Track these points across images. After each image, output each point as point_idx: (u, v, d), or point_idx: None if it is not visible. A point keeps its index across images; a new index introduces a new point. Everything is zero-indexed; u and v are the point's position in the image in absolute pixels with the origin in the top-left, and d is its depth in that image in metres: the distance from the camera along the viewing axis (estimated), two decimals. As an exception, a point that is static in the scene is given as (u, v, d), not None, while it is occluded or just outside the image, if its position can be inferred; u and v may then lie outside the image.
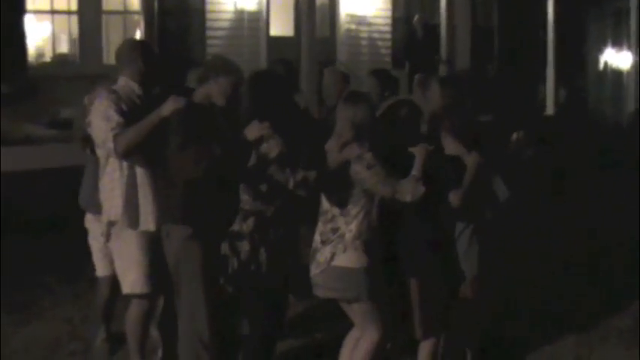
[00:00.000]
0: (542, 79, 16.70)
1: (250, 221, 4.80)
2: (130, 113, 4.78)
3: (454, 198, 4.97)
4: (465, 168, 5.04)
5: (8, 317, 6.34)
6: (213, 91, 4.73)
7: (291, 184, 4.70)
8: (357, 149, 4.55)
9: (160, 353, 5.26)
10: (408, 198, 4.51)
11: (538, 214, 9.85)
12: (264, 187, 4.79)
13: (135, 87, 4.93)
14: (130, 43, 5.41)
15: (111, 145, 4.74)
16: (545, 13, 16.26)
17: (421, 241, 4.84)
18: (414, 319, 4.86)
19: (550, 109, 16.35)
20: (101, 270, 5.49)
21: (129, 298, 5.00)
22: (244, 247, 4.80)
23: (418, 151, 4.67)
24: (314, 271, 4.68)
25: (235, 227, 4.80)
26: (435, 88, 5.63)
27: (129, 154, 4.76)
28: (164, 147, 4.61)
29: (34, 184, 9.92)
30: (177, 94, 4.65)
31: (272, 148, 4.70)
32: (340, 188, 4.60)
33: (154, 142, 4.66)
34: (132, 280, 4.91)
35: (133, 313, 4.97)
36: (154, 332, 5.33)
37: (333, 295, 4.68)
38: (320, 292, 4.72)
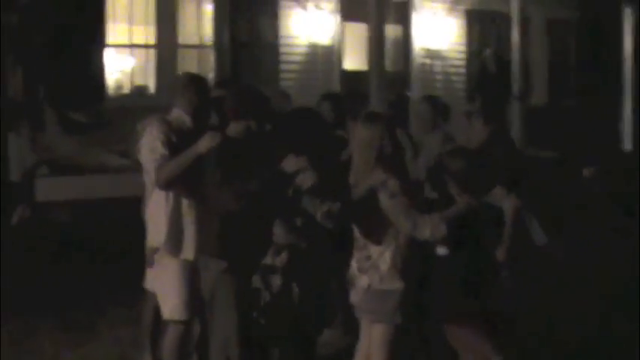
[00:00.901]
0: (621, 114, 16.45)
1: (283, 255, 4.91)
2: (179, 145, 4.97)
3: (500, 254, 5.00)
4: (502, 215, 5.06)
5: (66, 336, 6.62)
6: (250, 123, 4.88)
7: (318, 216, 4.80)
8: (382, 175, 4.58)
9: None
10: (426, 234, 4.52)
11: (608, 253, 9.66)
12: (298, 221, 4.89)
13: (186, 119, 5.13)
14: (185, 77, 5.65)
15: (153, 176, 4.95)
16: (621, 48, 16.07)
17: (456, 284, 4.84)
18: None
19: (628, 144, 16.07)
20: (150, 284, 5.56)
21: (167, 323, 5.17)
22: (276, 280, 4.91)
23: (460, 201, 4.71)
24: (353, 297, 4.75)
25: (268, 261, 4.91)
26: (477, 122, 5.68)
27: (169, 186, 4.95)
28: (203, 181, 4.78)
29: (105, 212, 10.28)
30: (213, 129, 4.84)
31: (306, 180, 4.82)
32: (367, 216, 4.64)
33: (194, 176, 4.84)
34: (171, 306, 5.08)
35: (170, 338, 5.13)
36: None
37: (369, 317, 4.71)
38: (358, 314, 4.80)
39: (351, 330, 5.37)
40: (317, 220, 4.81)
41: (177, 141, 5.00)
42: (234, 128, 4.88)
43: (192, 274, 5.01)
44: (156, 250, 5.14)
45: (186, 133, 5.06)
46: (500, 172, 5.21)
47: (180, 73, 12.22)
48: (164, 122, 5.10)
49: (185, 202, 5.04)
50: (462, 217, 4.65)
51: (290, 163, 4.72)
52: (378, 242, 4.64)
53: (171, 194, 5.04)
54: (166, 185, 4.93)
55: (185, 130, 5.09)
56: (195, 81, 5.34)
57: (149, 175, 5.10)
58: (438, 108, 6.65)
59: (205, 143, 4.73)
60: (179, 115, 5.15)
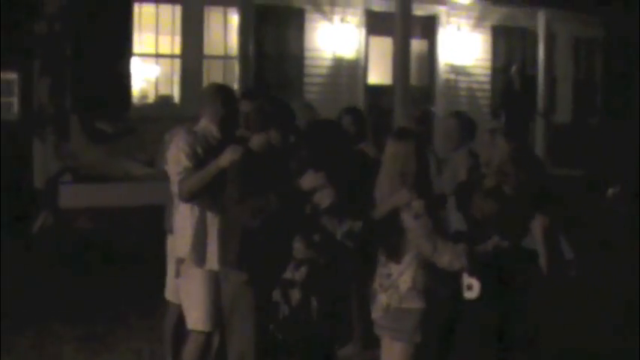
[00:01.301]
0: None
1: (303, 270, 4.90)
2: (206, 155, 4.97)
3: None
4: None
5: (85, 345, 6.64)
6: (273, 136, 4.86)
7: (338, 235, 4.76)
8: (406, 195, 4.53)
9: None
10: (444, 261, 4.47)
11: (634, 272, 9.58)
12: (317, 237, 4.88)
13: (213, 130, 5.11)
14: (212, 88, 5.63)
15: (177, 189, 4.96)
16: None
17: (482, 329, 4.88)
18: None
19: (653, 165, 15.92)
20: (171, 295, 5.56)
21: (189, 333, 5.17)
22: (295, 295, 4.90)
23: (490, 242, 4.68)
24: (374, 314, 4.71)
25: (287, 275, 4.88)
26: (500, 140, 5.63)
27: (192, 199, 4.97)
28: (225, 194, 4.78)
29: (128, 220, 10.33)
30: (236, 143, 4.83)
31: (324, 198, 4.79)
32: (389, 235, 4.60)
33: (217, 188, 4.84)
34: (195, 317, 5.09)
35: (191, 348, 5.13)
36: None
37: (389, 334, 4.64)
38: (378, 331, 4.73)
39: (371, 345, 5.35)
40: (336, 237, 4.78)
41: (203, 152, 5.00)
42: (256, 141, 4.85)
43: (216, 286, 5.01)
44: (182, 260, 5.15)
45: (212, 143, 5.06)
46: (523, 186, 5.13)
47: (205, 83, 12.30)
48: (190, 133, 5.09)
49: (210, 214, 5.05)
50: (492, 257, 4.60)
51: (308, 180, 4.69)
52: (398, 261, 4.59)
53: (195, 206, 5.05)
54: (188, 198, 4.95)
55: (212, 140, 5.08)
56: (223, 92, 5.31)
57: (174, 187, 5.11)
58: (465, 124, 6.60)
59: (227, 157, 4.73)
60: (206, 125, 5.14)
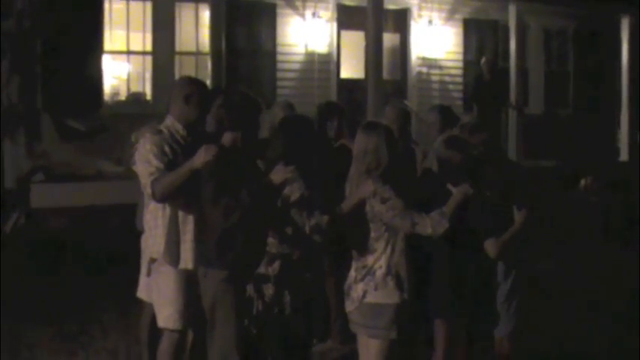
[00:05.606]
0: (618, 124, 16.48)
1: (276, 264, 4.87)
2: (174, 154, 4.93)
3: (491, 248, 4.95)
4: (503, 216, 5.02)
5: (61, 345, 6.59)
6: (228, 138, 4.84)
7: (307, 229, 4.75)
8: (371, 185, 4.56)
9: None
10: (428, 231, 4.52)
11: (605, 263, 9.64)
12: (289, 231, 4.86)
13: (179, 128, 5.05)
14: (178, 82, 5.57)
15: (149, 190, 4.91)
16: (619, 57, 16.13)
17: (452, 282, 4.88)
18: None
19: (624, 155, 16.07)
20: (144, 294, 5.49)
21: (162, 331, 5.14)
22: (269, 289, 4.88)
23: (457, 191, 4.70)
24: (349, 307, 4.72)
25: (261, 270, 4.86)
26: (470, 132, 5.62)
27: (166, 200, 4.92)
28: (199, 194, 4.74)
29: (101, 219, 10.24)
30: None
31: (294, 191, 4.78)
32: (360, 227, 4.62)
33: (191, 188, 4.81)
34: (166, 315, 5.05)
35: (165, 346, 5.10)
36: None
37: (365, 331, 4.65)
38: (353, 328, 4.75)
39: (349, 340, 5.35)
40: (305, 231, 4.76)
41: (171, 151, 4.94)
42: (228, 138, 4.84)
43: (188, 284, 4.98)
44: (154, 260, 5.10)
45: (180, 141, 5.01)
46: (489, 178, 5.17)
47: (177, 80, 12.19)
48: (157, 132, 5.02)
49: (181, 213, 5.00)
50: (461, 206, 4.65)
51: (278, 174, 4.68)
52: (373, 251, 4.61)
53: (167, 205, 5.01)
54: (162, 199, 4.90)
55: (179, 138, 5.02)
56: (188, 87, 5.15)
57: (145, 187, 5.05)
58: (446, 118, 6.64)
59: (201, 158, 4.68)
60: (172, 123, 5.07)
